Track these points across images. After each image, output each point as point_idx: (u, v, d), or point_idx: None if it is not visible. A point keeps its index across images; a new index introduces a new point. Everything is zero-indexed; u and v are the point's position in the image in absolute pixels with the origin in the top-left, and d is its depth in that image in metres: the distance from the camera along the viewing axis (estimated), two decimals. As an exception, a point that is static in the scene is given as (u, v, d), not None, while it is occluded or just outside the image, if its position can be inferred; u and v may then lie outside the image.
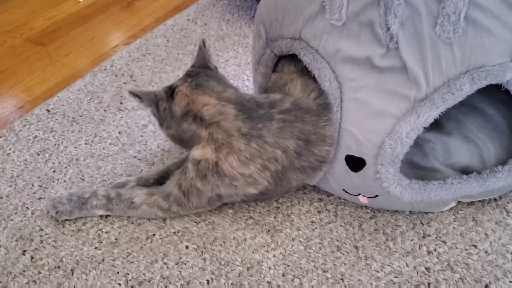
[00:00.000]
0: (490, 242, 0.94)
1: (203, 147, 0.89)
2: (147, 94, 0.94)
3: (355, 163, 0.88)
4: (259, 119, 0.88)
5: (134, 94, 0.93)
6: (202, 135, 0.89)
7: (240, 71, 1.44)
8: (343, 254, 0.93)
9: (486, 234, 0.95)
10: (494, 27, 0.80)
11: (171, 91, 0.93)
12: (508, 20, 0.81)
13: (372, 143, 0.85)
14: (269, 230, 0.98)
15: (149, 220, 1.01)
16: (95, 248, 0.96)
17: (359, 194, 0.94)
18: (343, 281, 0.89)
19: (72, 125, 1.26)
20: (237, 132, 0.87)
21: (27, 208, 1.04)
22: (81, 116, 1.29)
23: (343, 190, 0.95)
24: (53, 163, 1.15)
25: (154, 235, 0.98)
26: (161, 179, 1.05)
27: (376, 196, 0.92)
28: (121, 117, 1.29)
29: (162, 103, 0.93)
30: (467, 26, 0.79)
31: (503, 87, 0.84)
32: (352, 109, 0.86)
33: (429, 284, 0.87)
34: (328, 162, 0.92)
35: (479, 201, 1.00)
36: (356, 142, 0.86)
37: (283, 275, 0.90)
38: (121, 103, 1.33)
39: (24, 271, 0.92)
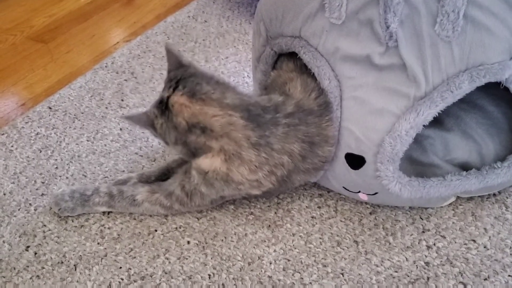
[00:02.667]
0: (489, 237, 0.94)
1: (212, 157, 0.88)
2: (138, 116, 0.90)
3: (355, 161, 0.89)
4: (266, 126, 0.86)
5: (129, 119, 0.90)
6: (213, 147, 0.86)
7: (240, 68, 1.44)
8: (343, 249, 0.94)
9: (485, 228, 0.96)
10: (493, 26, 0.80)
11: (163, 105, 0.88)
12: (507, 18, 0.81)
13: (371, 141, 0.85)
14: (269, 226, 0.99)
15: (151, 216, 1.01)
16: (98, 243, 0.97)
17: (359, 191, 0.95)
18: (343, 276, 0.90)
19: (73, 122, 1.27)
20: (247, 142, 0.85)
21: (30, 204, 1.05)
22: (82, 113, 1.30)
23: (343, 187, 0.96)
24: (55, 159, 1.16)
25: (156, 230, 0.99)
26: (162, 176, 1.06)
27: (376, 193, 0.92)
28: (123, 113, 1.29)
29: (157, 120, 0.89)
30: (466, 24, 0.80)
31: (502, 85, 0.84)
32: (351, 107, 0.87)
33: (428, 278, 0.88)
34: (330, 161, 0.93)
35: (479, 196, 1.01)
36: (356, 140, 0.87)
37: (283, 270, 0.91)
38: (122, 100, 1.34)
39: (27, 266, 0.93)
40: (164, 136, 0.90)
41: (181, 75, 0.90)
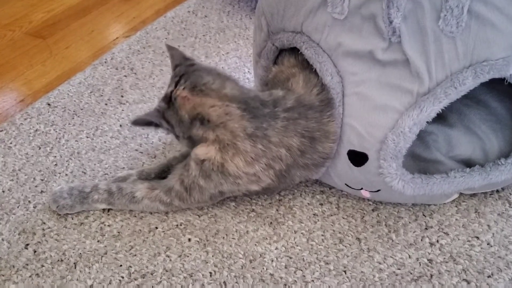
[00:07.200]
0: (493, 234, 0.94)
1: (207, 146, 0.89)
2: (149, 113, 0.91)
3: (358, 158, 0.88)
4: (264, 118, 0.87)
5: (141, 120, 0.90)
6: (210, 138, 0.88)
7: (241, 64, 1.43)
8: (345, 246, 0.94)
9: (488, 225, 0.96)
10: (498, 21, 0.79)
11: (167, 99, 0.90)
12: (511, 13, 0.80)
13: (374, 138, 0.85)
14: (271, 223, 0.98)
15: (151, 213, 1.01)
16: (98, 241, 0.96)
17: (361, 189, 0.94)
18: (345, 273, 0.89)
19: (73, 118, 1.26)
20: (243, 133, 0.86)
21: (29, 201, 1.04)
22: (82, 110, 1.29)
23: (346, 184, 0.95)
24: (55, 156, 1.15)
25: (156, 228, 0.98)
26: (162, 173, 1.05)
27: (379, 190, 0.92)
28: (122, 110, 1.28)
29: (167, 112, 0.90)
30: (470, 19, 0.79)
31: (506, 81, 0.83)
32: (354, 103, 0.86)
33: (431, 275, 0.88)
34: (331, 158, 0.92)
35: (482, 193, 1.00)
36: (359, 137, 0.86)
37: (285, 267, 0.91)
38: (122, 96, 1.33)
39: (27, 264, 0.92)
40: (174, 129, 0.91)
41: (184, 71, 0.92)
